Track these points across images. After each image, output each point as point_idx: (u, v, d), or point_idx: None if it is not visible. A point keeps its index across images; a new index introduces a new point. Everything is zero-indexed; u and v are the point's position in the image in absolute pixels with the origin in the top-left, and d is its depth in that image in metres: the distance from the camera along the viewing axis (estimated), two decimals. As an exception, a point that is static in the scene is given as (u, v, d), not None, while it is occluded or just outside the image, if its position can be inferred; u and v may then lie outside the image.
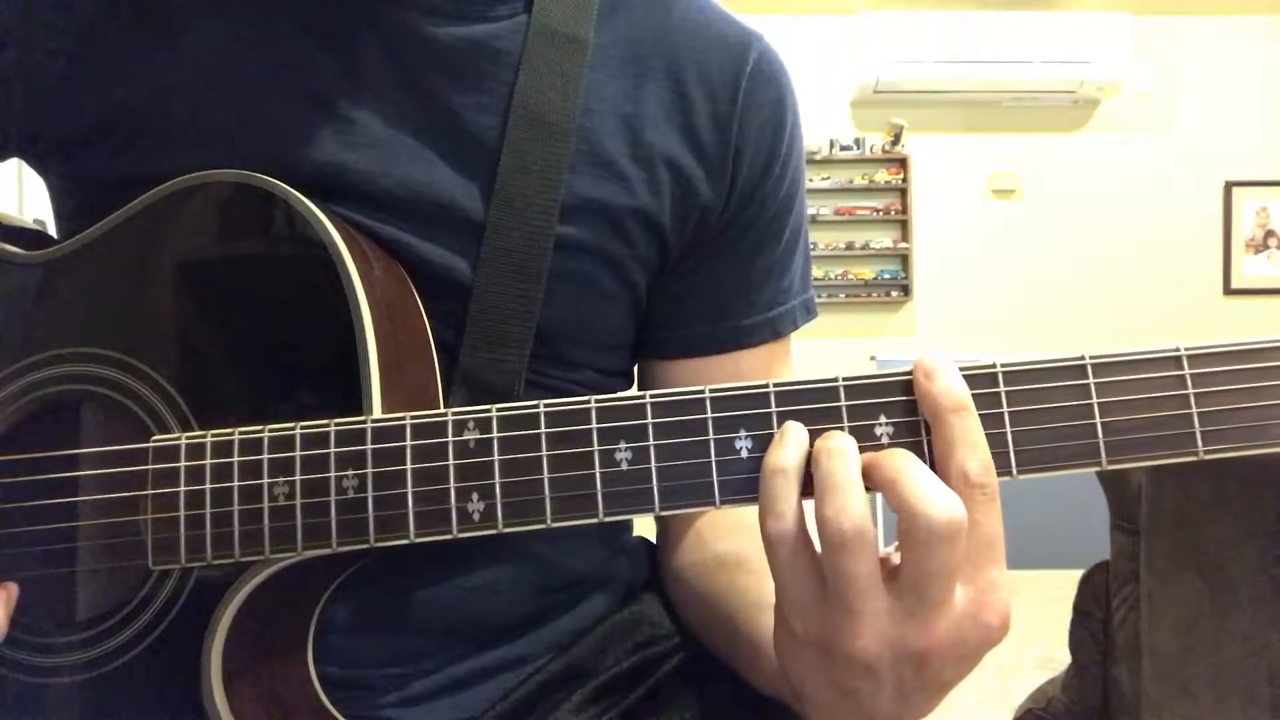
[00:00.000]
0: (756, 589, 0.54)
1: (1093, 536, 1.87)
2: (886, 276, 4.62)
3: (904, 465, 0.38)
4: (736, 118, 0.60)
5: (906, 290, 4.61)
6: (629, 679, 0.59)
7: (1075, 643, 1.70)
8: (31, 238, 0.56)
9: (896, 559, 0.39)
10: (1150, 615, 1.46)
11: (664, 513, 0.42)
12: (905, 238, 4.61)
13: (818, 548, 0.39)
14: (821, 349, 4.12)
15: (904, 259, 4.62)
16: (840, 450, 0.39)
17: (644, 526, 0.68)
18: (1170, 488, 1.40)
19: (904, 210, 4.60)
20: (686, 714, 0.58)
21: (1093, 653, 1.67)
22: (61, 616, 0.49)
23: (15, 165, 0.60)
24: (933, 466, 0.39)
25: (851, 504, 0.38)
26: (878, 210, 4.62)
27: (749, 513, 0.61)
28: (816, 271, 4.54)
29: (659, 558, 0.67)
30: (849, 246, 4.59)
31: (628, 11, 0.60)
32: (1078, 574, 1.72)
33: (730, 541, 0.61)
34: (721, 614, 0.57)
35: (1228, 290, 4.64)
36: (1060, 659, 1.81)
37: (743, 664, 0.55)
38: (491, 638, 0.58)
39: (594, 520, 0.42)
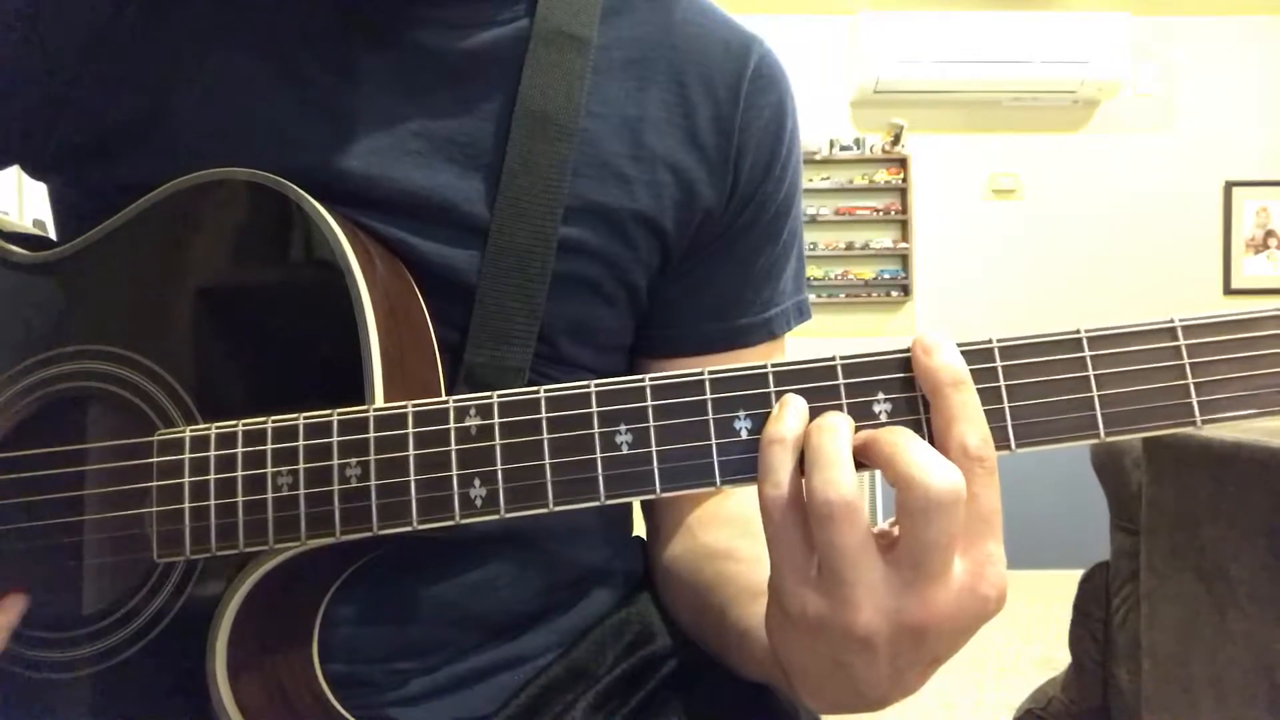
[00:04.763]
0: (745, 576, 0.55)
1: (1093, 536, 1.87)
2: (886, 276, 4.62)
3: (900, 440, 0.39)
4: (738, 121, 0.60)
5: (906, 290, 4.61)
6: (629, 682, 0.60)
7: (1075, 643, 1.71)
8: (31, 242, 0.56)
9: (895, 533, 0.39)
10: (1150, 615, 1.47)
11: (665, 494, 0.42)
12: (905, 238, 4.61)
13: None
14: (821, 349, 4.10)
15: (904, 259, 4.62)
16: (832, 426, 0.40)
17: (639, 527, 0.69)
18: (1170, 488, 1.41)
19: (904, 210, 4.60)
20: (686, 718, 0.58)
21: (1093, 653, 1.67)
22: (66, 611, 0.49)
23: (15, 171, 0.61)
24: (932, 442, 0.40)
25: (838, 476, 0.38)
26: (878, 210, 4.62)
27: (737, 506, 0.62)
28: (816, 271, 4.56)
29: (649, 552, 0.68)
30: (849, 246, 4.59)
31: (630, 14, 0.60)
32: (1078, 574, 1.72)
33: (719, 533, 0.61)
34: (711, 602, 0.57)
35: (1228, 290, 4.64)
36: (1060, 659, 1.81)
37: (731, 649, 0.55)
38: (493, 635, 0.58)
39: (595, 503, 0.43)
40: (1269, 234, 4.65)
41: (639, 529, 0.69)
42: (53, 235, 0.61)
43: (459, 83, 0.56)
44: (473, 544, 0.56)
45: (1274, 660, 1.22)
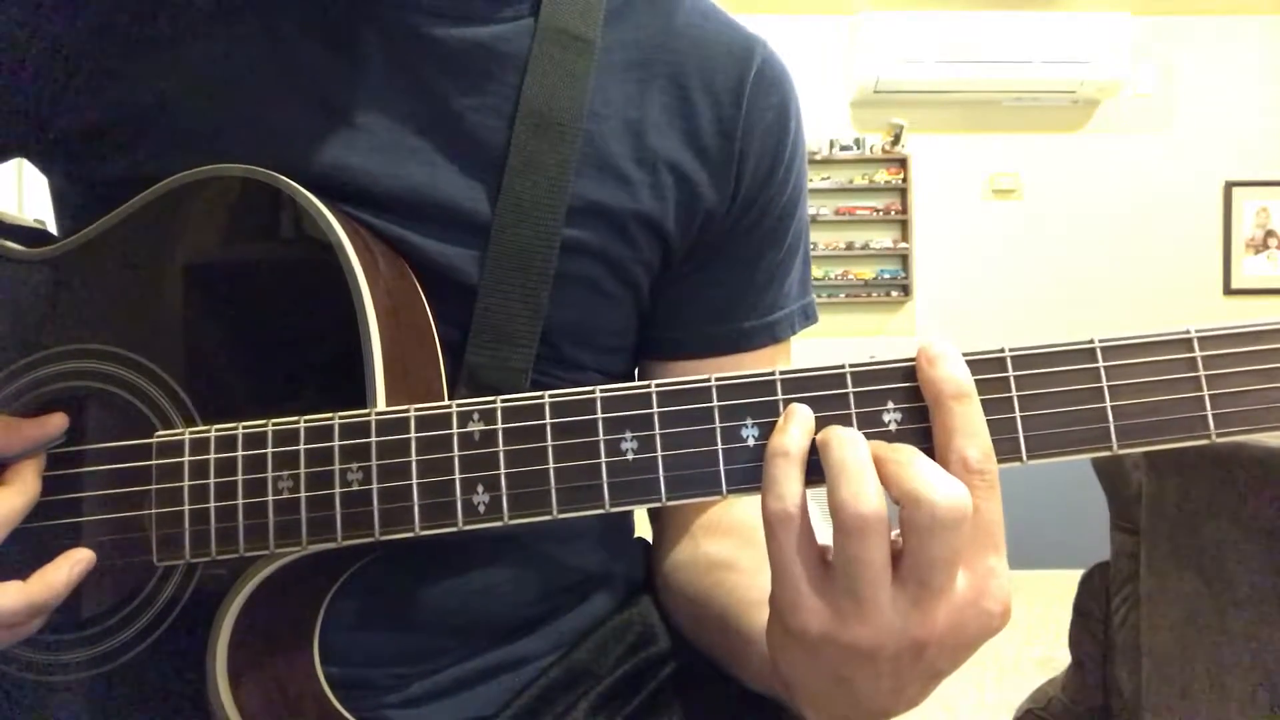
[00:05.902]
0: (745, 586, 0.55)
1: (1093, 536, 1.87)
2: (886, 276, 4.61)
3: (906, 455, 0.38)
4: (741, 123, 0.60)
5: (906, 290, 4.60)
6: (629, 684, 0.60)
7: (1075, 643, 1.70)
8: (32, 236, 0.56)
9: (897, 548, 0.39)
10: (1150, 615, 1.46)
11: (670, 503, 0.42)
12: (905, 238, 4.60)
13: (816, 535, 0.40)
14: (822, 349, 4.10)
15: (904, 259, 4.62)
16: (851, 439, 0.39)
17: (642, 528, 0.69)
18: (1170, 487, 1.40)
19: (904, 210, 4.60)
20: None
21: (1093, 653, 1.67)
22: (66, 614, 0.48)
23: (15, 165, 0.60)
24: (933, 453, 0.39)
25: (867, 489, 0.38)
26: (878, 210, 4.61)
27: (741, 514, 0.62)
28: (817, 271, 4.54)
29: (653, 557, 0.68)
30: (849, 246, 4.58)
31: (633, 16, 0.60)
32: (1078, 574, 1.72)
33: (721, 541, 0.61)
34: (711, 611, 0.57)
35: (1228, 290, 4.63)
36: (1060, 659, 1.81)
37: (731, 659, 0.55)
38: (495, 638, 0.58)
39: (600, 511, 0.42)
40: (1269, 234, 4.65)
41: (641, 530, 0.69)
42: (54, 232, 0.61)
43: (461, 79, 0.55)
44: (473, 547, 0.56)
45: (1274, 660, 1.22)
